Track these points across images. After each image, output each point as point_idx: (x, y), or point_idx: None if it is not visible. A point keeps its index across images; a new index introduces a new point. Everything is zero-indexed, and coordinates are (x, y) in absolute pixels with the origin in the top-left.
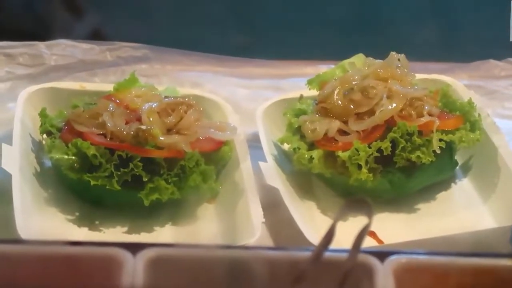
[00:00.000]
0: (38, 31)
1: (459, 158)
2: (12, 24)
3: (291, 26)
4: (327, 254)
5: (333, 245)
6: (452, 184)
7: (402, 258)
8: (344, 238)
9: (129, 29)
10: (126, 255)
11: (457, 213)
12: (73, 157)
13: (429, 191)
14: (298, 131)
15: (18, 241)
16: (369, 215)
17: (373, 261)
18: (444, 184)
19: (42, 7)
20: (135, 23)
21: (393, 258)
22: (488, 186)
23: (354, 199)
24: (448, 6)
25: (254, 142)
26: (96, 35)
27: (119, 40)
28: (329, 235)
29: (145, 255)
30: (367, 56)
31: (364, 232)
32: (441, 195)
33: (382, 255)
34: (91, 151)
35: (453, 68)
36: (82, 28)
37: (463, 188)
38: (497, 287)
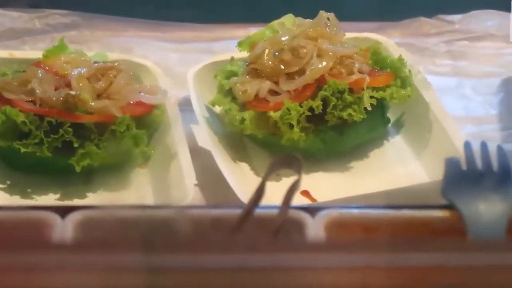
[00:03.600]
0: None
1: (391, 115)
2: None
3: None
4: (257, 211)
5: (264, 202)
6: (385, 141)
7: (333, 212)
8: (276, 196)
9: None
10: (55, 217)
11: (390, 170)
12: (2, 125)
13: (362, 149)
14: (229, 93)
15: None
16: (299, 171)
17: (304, 216)
18: (377, 141)
19: None
20: None
21: (324, 212)
22: (420, 142)
23: (284, 155)
24: None
25: (185, 106)
26: (24, 3)
27: (48, 8)
28: (259, 192)
29: (74, 217)
30: (296, 16)
31: (295, 187)
32: (374, 153)
33: (313, 210)
34: (20, 118)
35: (384, 26)
36: None
37: (395, 144)
38: (430, 239)
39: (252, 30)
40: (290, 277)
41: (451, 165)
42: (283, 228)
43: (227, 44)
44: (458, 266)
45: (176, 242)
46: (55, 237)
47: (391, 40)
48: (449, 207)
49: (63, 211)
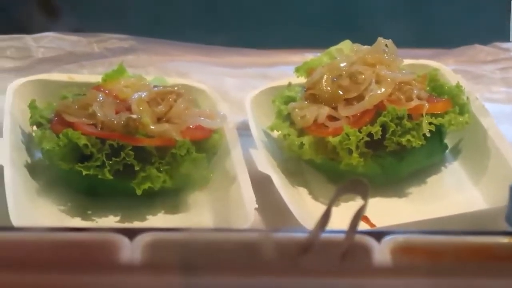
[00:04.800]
0: (25, 24)
1: (449, 141)
2: None
3: (277, 15)
4: (324, 236)
5: (329, 227)
6: (443, 168)
7: (399, 237)
8: (339, 221)
9: (116, 21)
10: (123, 240)
11: (448, 196)
12: (64, 148)
13: (420, 175)
14: (287, 118)
15: (15, 228)
16: (365, 196)
17: (370, 241)
18: (435, 167)
19: (29, 1)
20: (121, 15)
21: (389, 237)
22: (478, 168)
23: (351, 180)
24: None
25: (243, 130)
26: (83, 28)
27: (106, 32)
28: (326, 217)
29: (142, 240)
30: (353, 43)
31: (361, 212)
32: (432, 179)
33: (379, 235)
34: (82, 141)
35: (439, 54)
36: (69, 21)
37: (453, 171)
38: (494, 264)
39: (308, 56)
40: None
41: None
42: (350, 252)
43: (283, 70)
44: None
45: (246, 265)
46: (124, 259)
47: (447, 67)
48: None
49: (131, 233)
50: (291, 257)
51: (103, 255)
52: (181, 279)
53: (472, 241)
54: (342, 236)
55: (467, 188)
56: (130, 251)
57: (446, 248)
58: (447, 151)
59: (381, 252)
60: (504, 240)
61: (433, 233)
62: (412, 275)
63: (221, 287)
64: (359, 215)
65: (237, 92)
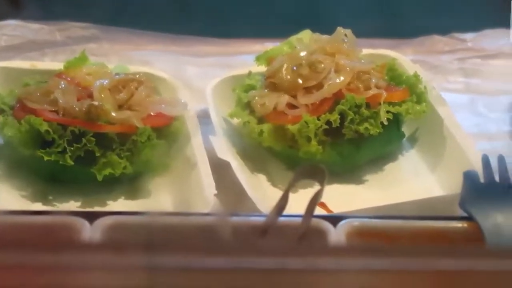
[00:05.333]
0: None
1: (406, 130)
2: None
3: (238, 6)
4: (281, 219)
5: (286, 212)
6: (400, 155)
7: (354, 222)
8: (296, 205)
9: (78, 9)
10: (83, 223)
11: (405, 183)
12: (26, 134)
13: (377, 163)
14: (247, 106)
15: None
16: (322, 182)
17: (326, 225)
18: (392, 155)
19: None
20: (84, 4)
21: (345, 222)
22: (434, 156)
23: (308, 166)
24: None
25: (204, 118)
26: (45, 16)
27: (69, 21)
28: (283, 201)
29: (101, 223)
30: (313, 32)
31: (317, 197)
32: (389, 166)
33: (335, 219)
34: (44, 127)
35: (398, 44)
36: (32, 9)
37: (410, 158)
38: (447, 247)
39: (269, 45)
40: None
41: (469, 178)
42: (306, 236)
43: (244, 59)
44: (477, 272)
45: (203, 245)
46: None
47: (405, 57)
48: (467, 218)
49: (91, 217)
50: (249, 239)
51: (63, 237)
52: (140, 258)
53: (426, 226)
54: (299, 220)
55: (423, 175)
56: (90, 234)
57: (402, 232)
58: (404, 139)
59: (337, 236)
60: (458, 224)
61: (388, 218)
62: (367, 255)
63: (180, 266)
64: (315, 200)
65: (199, 81)
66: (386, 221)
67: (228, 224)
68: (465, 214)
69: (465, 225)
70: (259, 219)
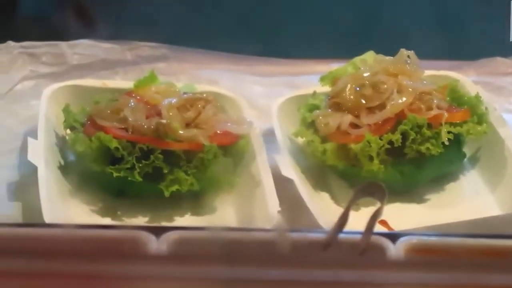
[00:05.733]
0: (61, 31)
1: (467, 150)
2: (35, 25)
3: (304, 26)
4: (341, 236)
5: (346, 228)
6: (461, 175)
7: (413, 239)
8: (356, 223)
9: (148, 29)
10: (150, 237)
11: (465, 202)
12: (96, 150)
13: (438, 182)
14: (311, 126)
15: (48, 224)
16: (382, 200)
17: (386, 242)
18: (453, 175)
19: (64, 9)
20: (154, 24)
21: (404, 239)
22: (495, 176)
23: (368, 184)
24: (454, 4)
25: (269, 137)
26: (116, 36)
27: (139, 40)
28: (344, 218)
29: (168, 237)
30: (377, 53)
31: (377, 214)
32: (450, 186)
33: (394, 236)
34: (114, 144)
35: (461, 65)
36: (103, 28)
37: (471, 178)
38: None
39: (333, 66)
40: None
41: None
42: (366, 251)
43: (308, 79)
44: None
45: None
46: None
47: (467, 78)
48: None
49: (158, 231)
50: (309, 254)
51: (131, 250)
52: (205, 269)
53: (485, 244)
54: (359, 237)
55: (483, 195)
56: (157, 247)
57: (460, 250)
58: (465, 159)
59: (396, 253)
60: None
61: (447, 236)
62: (425, 270)
63: (245, 276)
64: (375, 217)
65: (264, 100)
66: (444, 238)
67: (288, 238)
68: None
69: None
70: (320, 235)
